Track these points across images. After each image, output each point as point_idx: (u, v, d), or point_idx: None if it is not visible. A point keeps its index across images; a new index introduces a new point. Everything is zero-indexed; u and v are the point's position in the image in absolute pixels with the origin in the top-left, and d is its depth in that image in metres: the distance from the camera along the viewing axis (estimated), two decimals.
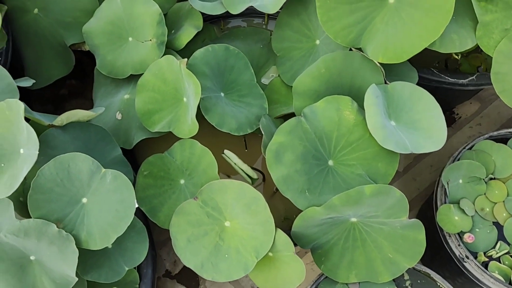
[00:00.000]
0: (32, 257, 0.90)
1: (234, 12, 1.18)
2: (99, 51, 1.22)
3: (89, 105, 1.40)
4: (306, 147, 1.01)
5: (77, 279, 0.88)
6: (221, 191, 0.97)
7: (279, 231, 0.98)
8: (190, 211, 0.99)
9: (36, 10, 1.29)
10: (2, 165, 0.95)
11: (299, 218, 0.98)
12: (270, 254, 1.02)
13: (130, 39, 1.22)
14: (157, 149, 1.13)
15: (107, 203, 0.91)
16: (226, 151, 1.07)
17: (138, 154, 1.22)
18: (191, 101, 1.05)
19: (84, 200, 0.92)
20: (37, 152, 0.88)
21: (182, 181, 1.08)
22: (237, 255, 0.99)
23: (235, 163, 1.06)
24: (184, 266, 1.48)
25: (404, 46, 0.98)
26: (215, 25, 1.40)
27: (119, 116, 1.18)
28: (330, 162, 1.02)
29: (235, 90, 1.15)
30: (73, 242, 0.88)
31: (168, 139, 1.16)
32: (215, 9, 1.18)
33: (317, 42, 1.22)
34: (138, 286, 1.06)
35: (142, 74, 1.15)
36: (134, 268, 1.05)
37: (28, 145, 0.92)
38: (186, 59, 1.04)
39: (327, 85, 1.09)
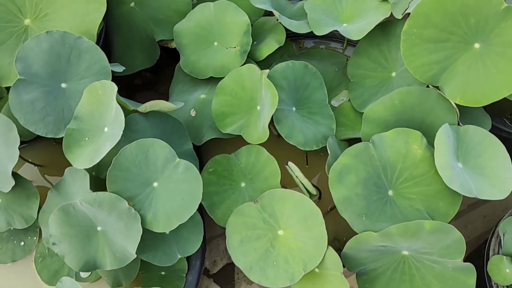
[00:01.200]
0: (99, 228, 0.96)
1: (318, 33, 1.23)
2: (185, 50, 1.29)
3: (159, 98, 1.48)
4: (369, 173, 1.04)
5: (135, 256, 0.94)
6: (282, 199, 1.01)
7: (331, 249, 1.00)
8: (248, 214, 1.03)
9: (132, 4, 1.39)
10: (86, 139, 1.02)
11: (353, 240, 0.99)
12: (316, 270, 1.04)
13: (215, 43, 1.28)
14: (222, 150, 1.18)
15: (176, 191, 0.97)
16: (290, 163, 1.10)
17: (203, 152, 1.27)
18: (265, 110, 1.10)
19: (155, 184, 0.98)
20: (121, 133, 0.95)
21: (243, 184, 1.12)
22: (285, 265, 1.02)
23: (296, 176, 1.09)
24: (222, 267, 1.51)
25: (485, 91, 0.99)
26: (294, 43, 1.45)
27: (193, 113, 1.24)
28: (390, 192, 1.04)
29: (306, 107, 1.19)
30: (139, 221, 0.93)
31: (233, 142, 1.21)
32: (301, 28, 1.24)
33: (393, 74, 1.25)
34: (185, 275, 1.10)
35: (222, 78, 1.22)
36: (185, 257, 1.10)
37: (113, 124, 0.99)
38: (268, 70, 1.10)
39: (398, 117, 1.11)
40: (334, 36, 1.46)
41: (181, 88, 1.35)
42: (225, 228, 1.08)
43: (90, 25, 1.14)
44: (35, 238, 1.16)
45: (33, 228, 1.17)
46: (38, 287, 1.12)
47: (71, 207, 0.93)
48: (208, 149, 1.25)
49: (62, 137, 1.18)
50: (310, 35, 1.46)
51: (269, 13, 1.43)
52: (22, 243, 1.16)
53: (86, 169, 1.03)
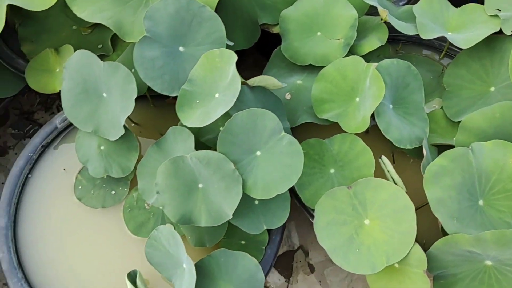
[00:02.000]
0: (200, 185, 1.01)
1: (425, 37, 1.25)
2: (288, 36, 1.33)
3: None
4: (465, 178, 1.04)
5: (231, 216, 0.98)
6: (376, 189, 1.03)
7: (417, 246, 1.01)
8: (339, 198, 1.05)
9: None
10: (197, 101, 1.07)
11: (442, 241, 1.00)
12: (396, 265, 1.05)
13: (319, 33, 1.32)
14: (311, 134, 1.21)
15: (277, 163, 1.00)
16: (383, 157, 1.12)
17: (294, 134, 1.30)
18: (366, 101, 1.12)
19: (258, 153, 1.02)
20: (235, 100, 1.00)
21: (332, 170, 1.15)
22: (368, 253, 1.03)
23: (388, 171, 1.11)
24: (282, 254, 1.54)
25: None
26: (391, 45, 1.47)
27: (288, 96, 1.28)
28: (481, 202, 1.04)
29: (403, 106, 1.21)
30: (241, 185, 0.97)
31: (324, 129, 1.24)
32: (408, 30, 1.25)
33: (492, 88, 1.25)
34: (264, 248, 1.13)
35: (321, 66, 1.25)
36: (266, 230, 1.13)
37: (225, 92, 1.04)
38: (376, 63, 1.12)
39: (497, 129, 1.11)
40: (432, 45, 1.47)
41: (276, 72, 1.39)
42: (307, 211, 1.10)
43: None
44: (125, 189, 1.22)
45: (124, 179, 1.23)
46: (123, 235, 1.17)
47: (180, 160, 0.98)
48: (298, 132, 1.28)
49: (160, 101, 1.23)
50: (408, 40, 1.48)
51: (371, 12, 1.46)
52: (113, 192, 1.22)
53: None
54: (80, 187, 1.23)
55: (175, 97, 1.35)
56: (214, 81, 1.07)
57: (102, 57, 1.41)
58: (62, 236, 1.18)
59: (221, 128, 1.16)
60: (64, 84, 1.16)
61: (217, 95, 1.06)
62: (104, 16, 1.15)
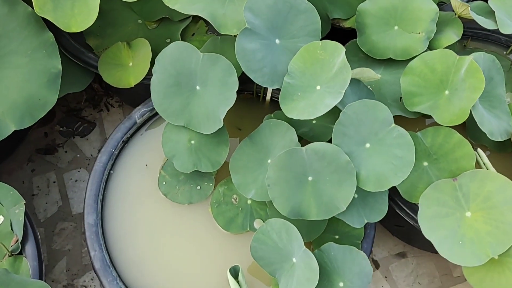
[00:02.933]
0: (310, 178, 1.00)
1: (505, 31, 1.26)
2: (365, 30, 1.33)
3: None
4: None
5: (344, 209, 0.97)
6: (482, 180, 1.03)
7: None
8: (443, 190, 1.05)
9: None
10: (298, 94, 1.06)
11: None
12: (496, 257, 1.05)
13: (396, 27, 1.32)
14: None
15: (387, 155, 1.00)
16: (479, 150, 1.13)
17: None
18: (461, 94, 1.13)
19: (368, 145, 1.01)
20: (344, 91, 0.99)
21: (425, 163, 1.15)
22: (471, 246, 1.03)
23: (484, 163, 1.11)
24: None
25: None
26: (458, 41, 1.48)
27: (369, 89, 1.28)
28: None
29: (488, 100, 1.22)
30: (355, 176, 0.97)
31: (409, 121, 1.25)
32: (488, 25, 1.27)
33: None
34: (360, 242, 1.12)
35: (401, 60, 1.26)
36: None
37: (329, 83, 1.03)
38: (471, 56, 1.13)
39: None
40: (498, 41, 1.49)
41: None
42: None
43: None
44: (211, 184, 1.20)
45: (209, 175, 1.21)
46: (214, 231, 1.15)
47: (295, 152, 0.97)
48: None
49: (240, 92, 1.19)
50: (475, 36, 1.50)
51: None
52: (199, 187, 1.20)
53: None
54: (164, 182, 1.20)
55: (250, 92, 1.35)
56: (314, 74, 1.06)
57: None
58: (152, 232, 1.15)
59: (314, 122, 1.15)
60: (154, 77, 1.13)
61: (318, 87, 1.05)
62: (198, 8, 1.13)
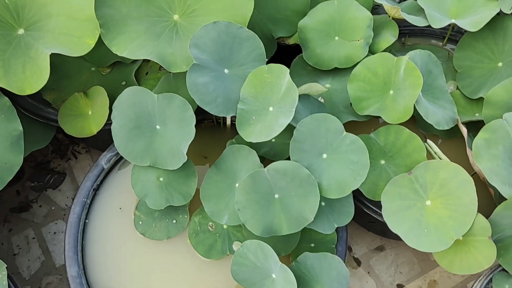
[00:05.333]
0: (276, 195, 1.05)
1: (436, 26, 1.36)
2: (308, 44, 1.41)
3: None
4: (505, 146, 1.14)
5: (312, 220, 1.02)
6: (435, 170, 1.10)
7: (480, 215, 1.10)
8: (401, 184, 1.12)
9: None
10: (254, 118, 1.12)
11: (503, 206, 1.09)
12: (460, 238, 1.12)
13: (336, 38, 1.40)
14: (352, 131, 1.28)
15: (344, 161, 1.06)
16: (428, 141, 1.21)
17: None
18: (404, 92, 1.21)
19: (325, 155, 1.08)
20: (294, 109, 1.05)
21: (382, 162, 1.22)
22: (436, 232, 1.11)
23: (435, 152, 1.19)
24: None
25: None
26: (396, 40, 1.57)
27: (321, 100, 1.35)
28: None
29: (430, 92, 1.30)
30: (317, 187, 1.02)
31: (360, 125, 1.32)
32: (420, 22, 1.36)
33: (500, 64, 1.37)
34: (335, 246, 1.18)
35: (345, 68, 1.34)
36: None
37: (280, 104, 1.10)
38: (407, 56, 1.21)
39: None
40: (434, 33, 1.59)
41: (298, 81, 1.45)
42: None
43: (240, 18, 1.25)
44: (186, 216, 1.24)
45: (183, 207, 1.25)
46: (195, 261, 1.19)
47: (258, 175, 1.02)
48: None
49: (196, 125, 1.24)
50: (411, 32, 1.59)
51: (372, 12, 1.56)
52: (174, 221, 1.23)
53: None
54: (140, 222, 1.24)
55: (210, 120, 1.40)
56: (265, 96, 1.12)
57: None
58: (135, 273, 1.18)
59: (273, 140, 1.21)
60: (115, 123, 1.17)
61: (271, 108, 1.11)
62: (146, 52, 1.18)
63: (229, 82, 1.16)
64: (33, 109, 1.38)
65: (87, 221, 1.23)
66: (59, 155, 1.79)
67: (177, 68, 1.18)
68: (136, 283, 1.17)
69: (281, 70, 1.10)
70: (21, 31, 1.21)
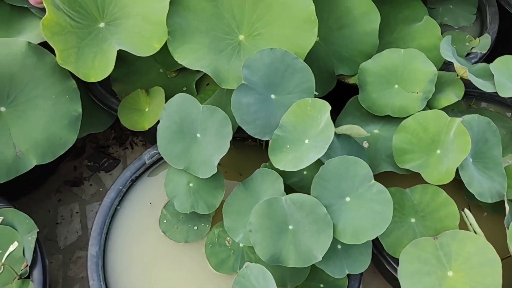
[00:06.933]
0: (290, 227, 1.05)
1: (503, 95, 1.29)
2: (366, 87, 1.40)
3: None
4: None
5: (320, 259, 1.01)
6: (463, 241, 1.04)
7: None
8: (424, 248, 1.07)
9: (318, 38, 1.53)
10: (288, 146, 1.14)
11: None
12: None
13: (396, 86, 1.38)
14: (390, 183, 1.25)
15: (366, 209, 1.04)
16: (466, 210, 1.14)
17: None
18: (450, 154, 1.16)
19: (348, 199, 1.06)
20: (327, 147, 1.05)
21: (412, 220, 1.17)
22: None
23: (471, 224, 1.12)
24: None
25: None
26: (463, 100, 1.51)
27: (366, 144, 1.33)
28: None
29: (482, 161, 1.23)
30: (332, 228, 1.01)
31: (400, 178, 1.28)
32: (487, 87, 1.30)
33: None
34: None
35: (398, 118, 1.31)
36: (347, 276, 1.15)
37: (316, 138, 1.10)
38: (461, 118, 1.16)
39: None
40: (504, 102, 1.50)
41: (351, 121, 1.44)
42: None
43: (300, 49, 1.28)
44: (207, 225, 1.28)
45: (207, 216, 1.28)
46: (205, 270, 1.22)
47: (275, 202, 1.03)
48: (377, 180, 1.32)
49: (240, 142, 1.28)
50: (481, 96, 1.52)
51: (443, 68, 1.52)
52: (196, 227, 1.28)
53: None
54: (165, 221, 1.29)
55: (254, 140, 1.43)
56: (304, 128, 1.14)
57: None
58: (147, 266, 1.24)
59: (305, 172, 1.22)
60: (161, 123, 1.25)
61: (307, 141, 1.12)
62: (203, 64, 1.25)
63: (272, 107, 1.19)
64: (100, 96, 1.51)
65: (118, 207, 1.32)
66: (119, 143, 1.92)
67: (227, 84, 1.23)
68: (144, 275, 1.22)
69: (324, 106, 1.11)
70: (102, 25, 1.33)
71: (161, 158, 1.40)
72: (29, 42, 1.21)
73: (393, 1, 1.64)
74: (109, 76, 1.53)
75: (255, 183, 1.19)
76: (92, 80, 1.24)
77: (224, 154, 1.16)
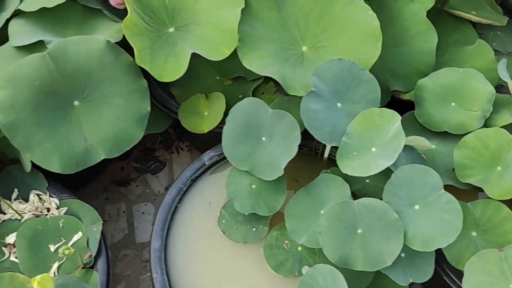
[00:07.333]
0: (359, 231, 1.08)
1: None
2: (423, 103, 1.43)
3: None
4: None
5: (390, 264, 1.03)
6: None
7: None
8: (489, 260, 1.09)
9: None
10: (354, 153, 1.17)
11: None
12: None
13: (453, 104, 1.41)
14: None
15: (435, 219, 1.06)
16: None
17: None
18: (511, 170, 1.18)
19: (417, 207, 1.09)
20: (397, 155, 1.08)
21: (473, 233, 1.19)
22: None
23: None
24: None
25: None
26: None
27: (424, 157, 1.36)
28: None
29: None
30: (402, 234, 1.03)
31: (459, 191, 1.30)
32: None
33: None
34: None
35: (456, 134, 1.34)
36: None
37: (384, 147, 1.13)
38: None
39: None
40: None
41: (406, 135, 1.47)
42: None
43: (363, 63, 1.32)
44: (265, 228, 1.30)
45: (265, 219, 1.31)
46: (264, 271, 1.24)
47: (347, 204, 1.06)
48: None
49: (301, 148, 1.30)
50: None
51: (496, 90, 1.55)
52: (254, 229, 1.30)
53: None
54: (224, 221, 1.32)
55: (309, 148, 1.47)
56: (370, 137, 1.17)
57: None
58: (207, 264, 1.26)
59: (367, 181, 1.24)
60: (227, 126, 1.29)
61: (373, 149, 1.15)
62: (270, 71, 1.30)
63: (338, 115, 1.22)
64: (160, 98, 1.56)
65: (178, 205, 1.35)
66: (165, 147, 1.97)
67: (294, 91, 1.27)
68: (204, 272, 1.24)
69: (393, 116, 1.14)
70: (171, 30, 1.39)
71: (220, 161, 1.44)
72: (108, 41, 1.26)
73: (443, 24, 1.68)
74: None
75: (318, 189, 1.21)
76: (165, 80, 1.29)
77: (292, 157, 1.19)
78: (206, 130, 1.48)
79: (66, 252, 1.06)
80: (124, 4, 1.27)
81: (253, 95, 1.60)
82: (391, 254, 1.04)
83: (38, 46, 1.30)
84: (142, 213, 1.79)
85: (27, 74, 1.20)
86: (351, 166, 1.13)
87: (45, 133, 1.22)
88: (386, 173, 1.21)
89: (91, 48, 1.25)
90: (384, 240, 1.05)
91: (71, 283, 1.08)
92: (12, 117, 1.18)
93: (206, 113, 1.52)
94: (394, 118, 1.14)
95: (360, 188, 1.23)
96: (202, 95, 1.55)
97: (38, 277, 0.95)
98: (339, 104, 1.24)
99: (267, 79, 1.62)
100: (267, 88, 1.63)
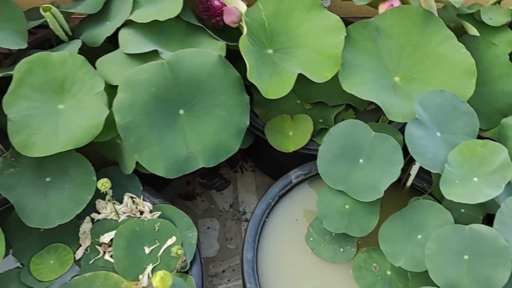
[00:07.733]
0: (466, 257, 1.09)
1: None
2: (507, 142, 1.46)
3: None
4: None
5: None
6: None
7: None
8: None
9: None
10: (456, 181, 1.20)
11: None
12: None
13: None
14: None
15: None
16: None
17: None
18: None
19: None
20: (503, 186, 1.11)
21: None
22: None
23: None
24: None
25: None
26: None
27: None
28: None
29: None
30: (510, 262, 1.05)
31: None
32: None
33: None
34: None
35: None
36: None
37: (488, 177, 1.16)
38: None
39: None
40: None
41: None
42: None
43: None
44: (353, 249, 1.31)
45: (352, 240, 1.33)
46: None
47: (459, 229, 1.08)
48: None
49: None
50: None
51: None
52: (342, 249, 1.31)
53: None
54: (311, 238, 1.34)
55: None
56: (472, 167, 1.20)
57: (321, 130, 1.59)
58: (296, 279, 1.27)
59: (462, 210, 1.27)
60: (323, 146, 1.33)
61: (475, 179, 1.19)
62: (370, 96, 1.35)
63: (437, 144, 1.26)
64: None
65: (266, 219, 1.37)
66: (230, 166, 2.00)
67: (393, 117, 1.32)
68: (297, 286, 1.25)
69: (498, 148, 1.18)
70: (270, 51, 1.46)
71: (306, 180, 1.47)
72: (220, 55, 1.33)
73: None
74: (252, 98, 1.66)
75: (414, 214, 1.24)
76: (270, 96, 1.34)
77: (394, 180, 1.22)
78: (291, 150, 1.52)
79: (179, 252, 1.08)
80: (237, 23, 1.34)
81: (334, 121, 1.64)
82: (498, 282, 1.05)
83: (150, 55, 1.36)
84: (208, 228, 1.81)
85: (145, 79, 1.25)
86: (455, 193, 1.16)
87: (154, 138, 1.26)
88: (481, 205, 1.24)
89: (204, 61, 1.31)
90: (491, 268, 1.06)
91: (177, 283, 1.09)
92: (129, 119, 1.23)
93: (291, 133, 1.56)
94: (499, 150, 1.18)
95: (456, 217, 1.25)
96: (287, 116, 1.60)
97: (161, 272, 0.97)
98: (438, 133, 1.28)
99: (347, 106, 1.67)
100: (347, 114, 1.68)
